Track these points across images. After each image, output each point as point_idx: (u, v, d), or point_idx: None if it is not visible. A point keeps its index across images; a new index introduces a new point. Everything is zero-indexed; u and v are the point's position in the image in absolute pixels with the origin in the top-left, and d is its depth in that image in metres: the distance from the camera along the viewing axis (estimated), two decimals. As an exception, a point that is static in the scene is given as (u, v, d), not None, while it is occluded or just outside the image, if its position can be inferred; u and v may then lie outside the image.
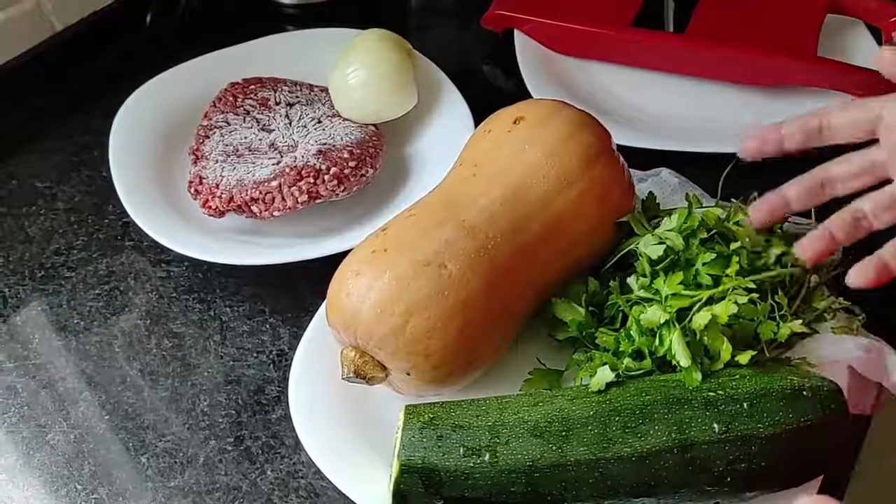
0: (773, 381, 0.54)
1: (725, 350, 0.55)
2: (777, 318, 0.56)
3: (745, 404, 0.53)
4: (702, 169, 0.72)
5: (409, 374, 0.57)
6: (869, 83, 0.81)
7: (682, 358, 0.54)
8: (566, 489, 0.53)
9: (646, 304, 0.58)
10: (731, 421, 0.52)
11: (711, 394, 0.54)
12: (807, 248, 0.56)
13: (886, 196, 0.54)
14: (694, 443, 0.52)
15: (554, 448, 0.53)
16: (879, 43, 0.87)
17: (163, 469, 0.62)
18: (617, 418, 0.53)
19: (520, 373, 0.62)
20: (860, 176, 0.55)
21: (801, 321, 0.56)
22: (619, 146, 0.65)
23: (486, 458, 0.53)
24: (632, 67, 0.88)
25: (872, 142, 0.55)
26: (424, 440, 0.54)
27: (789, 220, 0.65)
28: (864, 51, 0.87)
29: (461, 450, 0.53)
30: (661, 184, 0.73)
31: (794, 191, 0.57)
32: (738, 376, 0.55)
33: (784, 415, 0.53)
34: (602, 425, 0.53)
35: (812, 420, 0.53)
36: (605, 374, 0.56)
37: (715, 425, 0.52)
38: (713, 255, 0.57)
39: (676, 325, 0.55)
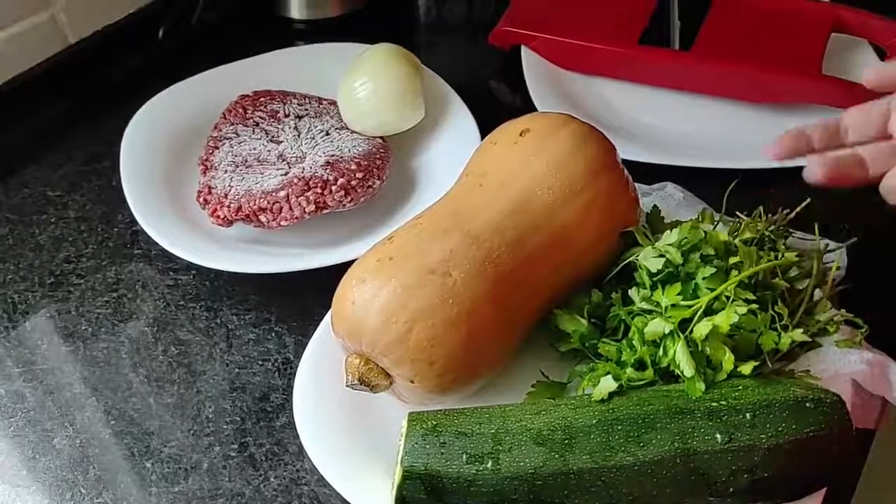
0: (775, 393, 0.54)
1: (727, 360, 0.55)
2: (778, 328, 0.56)
3: (747, 415, 0.53)
4: (707, 184, 0.73)
5: (413, 382, 0.58)
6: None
7: (686, 368, 0.54)
8: (568, 497, 0.53)
9: (647, 316, 0.58)
10: (733, 431, 0.52)
11: (714, 404, 0.54)
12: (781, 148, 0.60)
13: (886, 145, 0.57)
14: (696, 452, 0.52)
15: (556, 456, 0.53)
16: (883, 61, 0.87)
17: (167, 475, 0.62)
18: (619, 427, 0.53)
19: (523, 384, 0.62)
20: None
21: (801, 330, 0.56)
22: (624, 161, 0.65)
23: (489, 465, 0.53)
24: (638, 84, 0.89)
25: None
26: (427, 447, 0.54)
27: (793, 234, 0.65)
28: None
29: (464, 457, 0.53)
30: (667, 198, 0.73)
31: (817, 131, 0.59)
32: (740, 387, 0.55)
33: (787, 426, 0.53)
34: (605, 434, 0.53)
35: (815, 432, 0.53)
36: (607, 384, 0.56)
37: (717, 435, 0.52)
38: (713, 270, 0.57)
39: (680, 335, 0.55)
